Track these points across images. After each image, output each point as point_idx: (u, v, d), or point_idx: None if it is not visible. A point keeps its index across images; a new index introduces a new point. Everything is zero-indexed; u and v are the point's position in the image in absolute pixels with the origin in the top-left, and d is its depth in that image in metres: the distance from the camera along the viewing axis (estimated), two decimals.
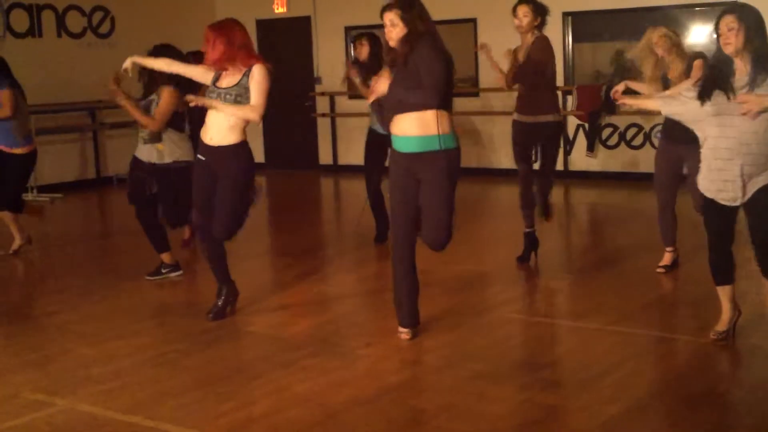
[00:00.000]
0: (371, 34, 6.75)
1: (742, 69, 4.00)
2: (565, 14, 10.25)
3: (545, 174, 6.06)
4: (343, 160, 11.96)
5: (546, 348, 4.46)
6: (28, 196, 10.08)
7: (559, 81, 10.28)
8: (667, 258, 5.73)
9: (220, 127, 4.78)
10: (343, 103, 11.89)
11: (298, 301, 5.40)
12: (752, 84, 3.94)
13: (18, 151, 6.60)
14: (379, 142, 6.39)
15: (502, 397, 3.81)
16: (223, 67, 4.79)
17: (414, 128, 4.20)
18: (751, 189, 4.03)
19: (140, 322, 5.07)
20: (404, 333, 4.49)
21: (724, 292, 4.31)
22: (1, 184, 6.68)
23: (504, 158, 10.30)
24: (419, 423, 3.53)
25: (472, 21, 10.58)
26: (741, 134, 3.96)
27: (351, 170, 11.74)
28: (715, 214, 4.18)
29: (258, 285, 6.08)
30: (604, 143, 10.24)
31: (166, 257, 5.98)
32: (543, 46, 5.69)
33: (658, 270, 5.65)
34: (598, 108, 10.00)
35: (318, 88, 11.96)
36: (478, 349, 4.53)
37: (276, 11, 11.99)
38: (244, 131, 4.84)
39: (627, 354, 4.28)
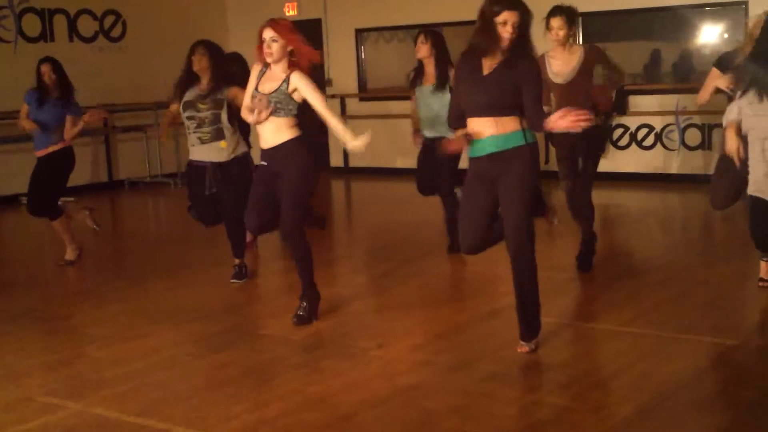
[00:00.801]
0: (433, 30, 6.55)
1: None
2: None
3: (586, 182, 5.91)
4: (354, 163, 11.98)
5: (557, 349, 4.45)
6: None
7: None
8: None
9: (274, 128, 4.80)
10: (354, 105, 11.91)
11: None
12: None
13: (53, 148, 6.60)
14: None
15: (513, 398, 3.81)
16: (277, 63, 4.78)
17: (497, 128, 4.12)
18: None
19: (152, 324, 5.09)
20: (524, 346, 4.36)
21: None
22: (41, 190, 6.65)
23: None
24: (431, 424, 3.54)
25: None
26: None
27: (362, 173, 11.75)
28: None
29: (270, 288, 6.10)
30: (614, 144, 10.22)
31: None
32: (602, 53, 5.76)
33: (761, 284, 5.24)
34: (609, 109, 9.97)
35: (329, 90, 11.98)
36: (490, 350, 4.52)
37: (287, 14, 12.02)
38: (295, 127, 4.86)
39: (638, 355, 4.27)
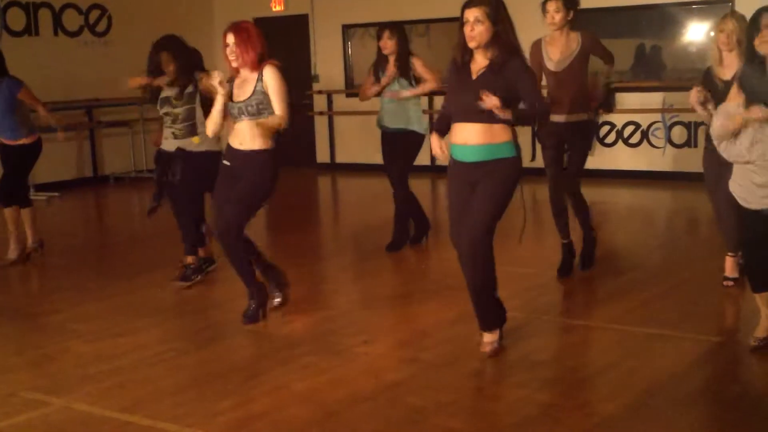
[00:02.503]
0: (398, 26, 6.49)
1: None
2: None
3: (573, 175, 5.74)
4: (340, 159, 11.96)
5: (544, 346, 4.46)
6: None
7: None
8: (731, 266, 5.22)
9: (250, 134, 4.69)
10: (341, 101, 11.88)
11: (295, 299, 5.39)
12: None
13: (22, 141, 6.58)
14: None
15: (500, 394, 3.81)
16: (237, 71, 4.74)
17: (481, 137, 3.99)
18: None
19: (138, 320, 5.06)
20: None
21: (762, 299, 4.09)
22: (6, 177, 6.66)
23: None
24: (417, 421, 3.53)
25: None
26: None
27: (349, 168, 11.73)
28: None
29: None
30: (601, 141, 10.25)
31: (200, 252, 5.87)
32: (597, 39, 5.55)
33: (725, 283, 5.21)
34: (596, 105, 10.00)
35: (315, 86, 11.96)
36: (476, 346, 4.53)
37: (274, 9, 11.98)
38: (272, 138, 4.75)
39: (625, 352, 4.28)
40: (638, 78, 10.25)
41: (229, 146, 4.81)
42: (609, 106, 9.97)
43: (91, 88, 10.79)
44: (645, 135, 10.01)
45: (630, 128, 10.12)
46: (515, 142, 4.03)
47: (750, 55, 3.87)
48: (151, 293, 5.74)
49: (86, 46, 11.18)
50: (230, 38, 4.69)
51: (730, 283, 5.18)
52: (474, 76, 3.99)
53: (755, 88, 3.77)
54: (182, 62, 5.59)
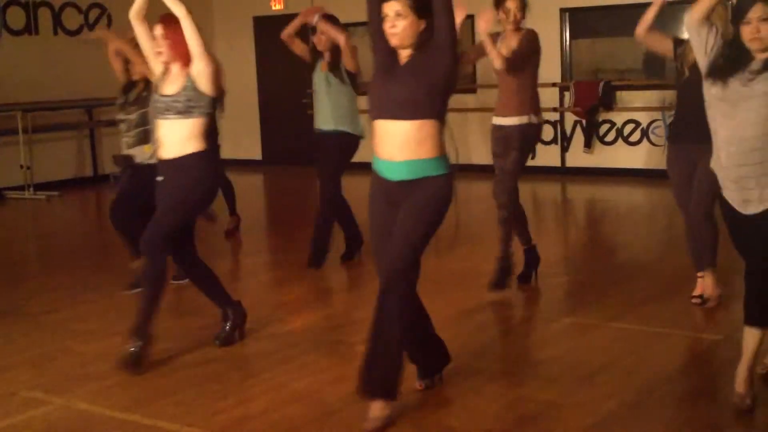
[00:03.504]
0: (331, 17, 6.24)
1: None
2: (563, 10, 10.25)
3: (505, 173, 5.22)
4: None
5: (543, 344, 4.46)
6: (25, 194, 10.10)
7: (557, 77, 10.31)
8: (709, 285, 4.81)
9: (176, 137, 4.17)
10: None
11: (295, 298, 5.40)
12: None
13: None
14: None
15: (499, 393, 3.81)
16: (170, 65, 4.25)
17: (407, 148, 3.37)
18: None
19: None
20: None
21: (754, 343, 3.51)
22: None
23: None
24: (416, 419, 3.54)
25: (470, 17, 10.59)
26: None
27: (348, 167, 11.72)
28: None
29: (255, 282, 6.07)
30: (601, 139, 10.25)
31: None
32: (533, 38, 5.21)
33: (693, 300, 4.87)
34: (595, 104, 10.02)
35: None
36: (475, 345, 4.53)
37: (273, 8, 11.97)
38: (204, 139, 4.21)
39: (625, 350, 4.28)
40: (638, 76, 10.25)
41: (160, 160, 4.27)
42: (609, 105, 10.06)
43: (91, 87, 10.79)
44: (645, 133, 10.01)
45: (630, 126, 10.12)
46: (446, 156, 3.43)
47: (735, 46, 3.40)
48: None
49: (86, 44, 11.19)
50: (158, 30, 4.23)
51: (698, 300, 4.82)
52: (398, 72, 3.38)
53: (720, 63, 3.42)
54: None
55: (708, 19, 3.46)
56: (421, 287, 4.90)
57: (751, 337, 3.48)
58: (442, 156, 3.40)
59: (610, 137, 10.21)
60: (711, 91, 3.40)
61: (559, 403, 3.65)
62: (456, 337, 4.59)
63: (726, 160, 3.38)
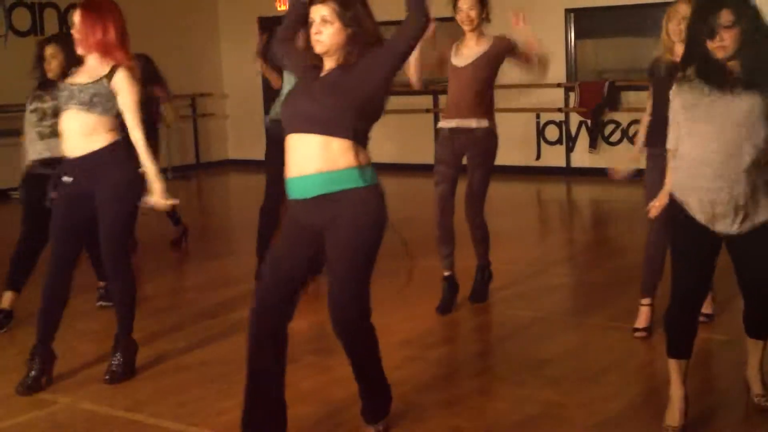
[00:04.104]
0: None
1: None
2: (568, 11, 10.24)
3: (475, 195, 4.93)
4: None
5: (547, 344, 4.45)
6: None
7: (561, 77, 10.31)
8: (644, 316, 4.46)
9: (81, 130, 3.83)
10: None
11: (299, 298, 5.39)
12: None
13: None
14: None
15: (503, 393, 3.81)
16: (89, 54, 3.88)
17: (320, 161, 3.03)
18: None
19: (142, 319, 5.04)
20: None
21: (680, 369, 3.31)
22: None
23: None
24: (420, 419, 3.53)
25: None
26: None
27: None
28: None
29: None
30: (606, 140, 10.24)
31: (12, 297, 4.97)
32: (512, 42, 4.82)
33: (637, 335, 4.44)
34: (600, 104, 10.00)
35: None
36: (480, 345, 4.54)
37: (279, 9, 11.97)
38: (115, 130, 3.88)
39: (629, 350, 4.27)
40: (643, 76, 10.23)
41: (65, 159, 3.93)
42: (614, 105, 10.03)
43: None
44: None
45: (635, 126, 10.09)
46: (370, 168, 3.08)
47: (691, 52, 3.16)
48: (154, 293, 5.76)
49: None
50: (76, 16, 3.85)
51: (643, 333, 4.43)
52: (322, 76, 3.13)
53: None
54: (69, 55, 4.41)
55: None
56: (424, 288, 4.89)
57: (753, 344, 3.47)
58: (363, 167, 3.04)
59: (615, 137, 10.19)
60: (681, 102, 3.16)
61: (563, 403, 3.65)
62: (459, 337, 4.59)
63: (700, 177, 3.13)
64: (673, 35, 4.24)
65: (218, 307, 5.35)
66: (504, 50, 4.84)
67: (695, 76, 3.13)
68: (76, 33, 3.86)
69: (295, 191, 3.10)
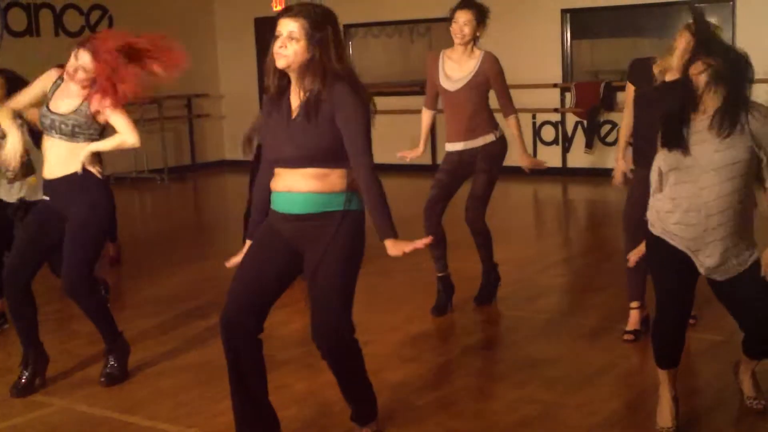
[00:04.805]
0: None
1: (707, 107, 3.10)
2: (564, 11, 10.24)
3: (476, 199, 4.90)
4: None
5: (544, 345, 4.45)
6: None
7: (557, 78, 10.31)
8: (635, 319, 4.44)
9: (65, 154, 3.88)
10: None
11: (295, 299, 5.37)
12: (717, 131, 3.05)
13: None
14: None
15: (500, 394, 3.81)
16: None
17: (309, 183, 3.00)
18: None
19: (138, 320, 5.06)
20: None
21: (669, 375, 3.33)
22: None
23: None
24: (417, 420, 3.53)
25: None
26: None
27: None
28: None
29: None
30: (602, 140, 10.24)
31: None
32: (493, 62, 4.81)
33: (626, 337, 4.41)
34: (596, 105, 10.01)
35: None
36: (477, 346, 4.53)
37: (275, 9, 11.97)
38: (93, 156, 3.93)
39: (626, 351, 4.27)
40: None
41: (44, 180, 3.99)
42: (610, 105, 10.04)
43: None
44: None
45: None
46: (356, 193, 3.04)
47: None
48: (150, 294, 5.74)
49: None
50: (84, 57, 3.84)
51: (632, 336, 4.41)
52: (293, 115, 3.01)
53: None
54: (13, 85, 4.69)
55: None
56: (420, 289, 4.88)
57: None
58: (354, 192, 3.03)
59: (611, 138, 10.20)
60: (666, 160, 3.15)
61: (560, 404, 3.65)
62: (455, 338, 4.58)
63: (687, 226, 3.15)
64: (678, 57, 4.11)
65: (214, 308, 5.32)
66: (490, 72, 4.79)
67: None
68: (74, 71, 3.83)
69: (280, 205, 3.06)
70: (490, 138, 4.86)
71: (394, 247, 2.97)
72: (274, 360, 4.26)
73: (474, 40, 4.80)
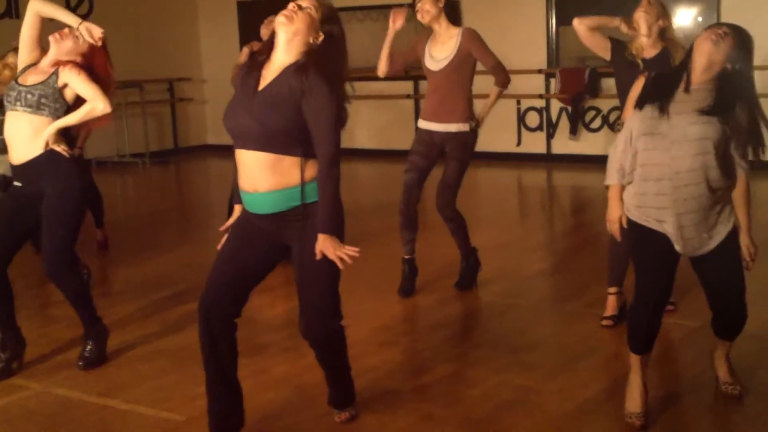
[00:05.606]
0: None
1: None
2: None
3: (446, 186, 4.88)
4: None
5: (524, 330, 4.46)
6: None
7: (542, 64, 10.30)
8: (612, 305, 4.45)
9: (30, 132, 3.83)
10: None
11: (274, 283, 5.36)
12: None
13: None
14: None
15: (479, 379, 3.81)
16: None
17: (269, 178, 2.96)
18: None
19: (118, 305, 5.04)
20: None
21: (641, 360, 3.33)
22: None
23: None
24: (395, 405, 3.53)
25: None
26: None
27: (346, 154, 11.67)
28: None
29: None
30: (587, 126, 10.26)
31: None
32: (480, 40, 4.79)
33: (604, 323, 4.43)
34: (581, 91, 10.01)
35: None
36: (455, 331, 4.54)
37: None
38: (58, 134, 3.86)
39: (606, 337, 4.29)
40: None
41: (12, 166, 3.94)
42: (595, 92, 10.04)
43: None
44: None
45: (616, 113, 10.10)
46: (311, 186, 3.00)
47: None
48: (131, 278, 5.72)
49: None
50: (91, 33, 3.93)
51: (610, 322, 4.42)
52: (260, 86, 2.98)
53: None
54: None
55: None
56: (398, 275, 4.84)
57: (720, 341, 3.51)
58: (307, 184, 2.98)
59: (595, 124, 10.22)
60: (643, 123, 3.16)
61: (538, 390, 3.66)
62: (434, 324, 4.59)
63: (664, 196, 3.14)
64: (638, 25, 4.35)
65: (194, 293, 5.29)
66: (471, 46, 4.77)
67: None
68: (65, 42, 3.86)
69: (248, 205, 3.06)
70: (464, 127, 4.84)
71: (324, 243, 2.95)
72: (254, 344, 4.27)
73: (444, 16, 4.75)
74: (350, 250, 2.95)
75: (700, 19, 9.75)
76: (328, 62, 2.94)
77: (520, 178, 9.93)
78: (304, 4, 2.97)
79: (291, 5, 2.97)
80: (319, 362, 3.31)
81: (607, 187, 3.41)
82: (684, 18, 9.82)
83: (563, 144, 10.38)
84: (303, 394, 3.66)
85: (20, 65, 3.97)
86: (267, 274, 3.19)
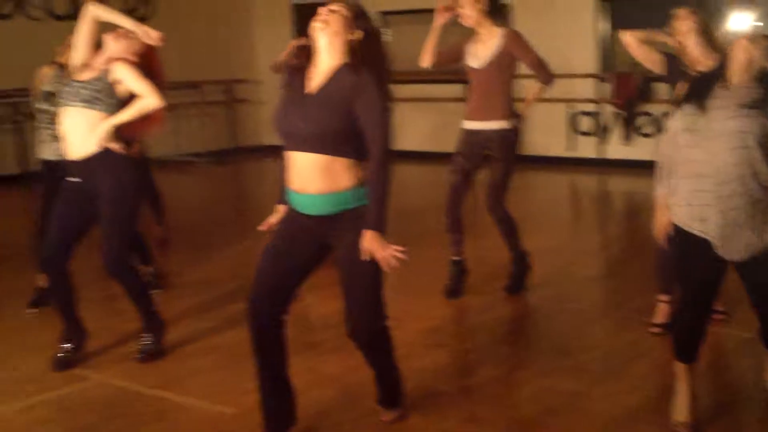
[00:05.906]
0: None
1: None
2: (604, 0, 10.14)
3: (494, 186, 4.93)
4: None
5: (572, 335, 4.47)
6: None
7: (595, 68, 10.23)
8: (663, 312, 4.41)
9: (81, 127, 3.92)
10: None
11: (325, 283, 5.44)
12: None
13: None
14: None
15: (525, 382, 3.84)
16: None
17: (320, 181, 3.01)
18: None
19: (176, 300, 5.17)
20: None
21: (687, 369, 3.33)
22: None
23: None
24: (442, 406, 3.58)
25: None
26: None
27: (395, 156, 11.72)
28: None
29: None
30: (639, 131, 10.16)
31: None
32: (522, 40, 4.87)
33: (653, 330, 4.41)
34: (634, 96, 9.92)
35: None
36: (503, 333, 4.56)
37: None
38: (112, 132, 3.96)
39: (655, 344, 4.27)
40: None
41: (68, 161, 4.03)
42: (646, 97, 9.93)
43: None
44: None
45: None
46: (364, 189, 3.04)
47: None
48: (189, 274, 5.85)
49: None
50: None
51: (659, 329, 4.39)
52: (312, 89, 3.03)
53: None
54: None
55: None
56: (447, 276, 4.84)
57: None
58: (358, 188, 3.03)
59: (648, 129, 10.11)
60: (683, 120, 3.15)
61: (585, 394, 3.67)
62: (483, 326, 4.62)
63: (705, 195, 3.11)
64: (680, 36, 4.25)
65: (247, 289, 5.42)
66: (512, 47, 4.83)
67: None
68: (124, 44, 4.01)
69: (296, 205, 3.10)
70: (505, 125, 4.87)
71: (371, 242, 2.98)
72: (302, 342, 4.36)
73: (488, 18, 4.81)
74: (397, 250, 2.99)
75: (760, 23, 9.59)
76: (374, 61, 3.01)
77: (572, 182, 9.88)
78: (334, 8, 3.06)
79: (322, 10, 3.06)
80: (367, 362, 3.38)
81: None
82: (741, 21, 9.66)
83: (616, 149, 10.30)
84: (349, 393, 3.73)
85: (75, 63, 4.10)
86: (311, 273, 3.25)
